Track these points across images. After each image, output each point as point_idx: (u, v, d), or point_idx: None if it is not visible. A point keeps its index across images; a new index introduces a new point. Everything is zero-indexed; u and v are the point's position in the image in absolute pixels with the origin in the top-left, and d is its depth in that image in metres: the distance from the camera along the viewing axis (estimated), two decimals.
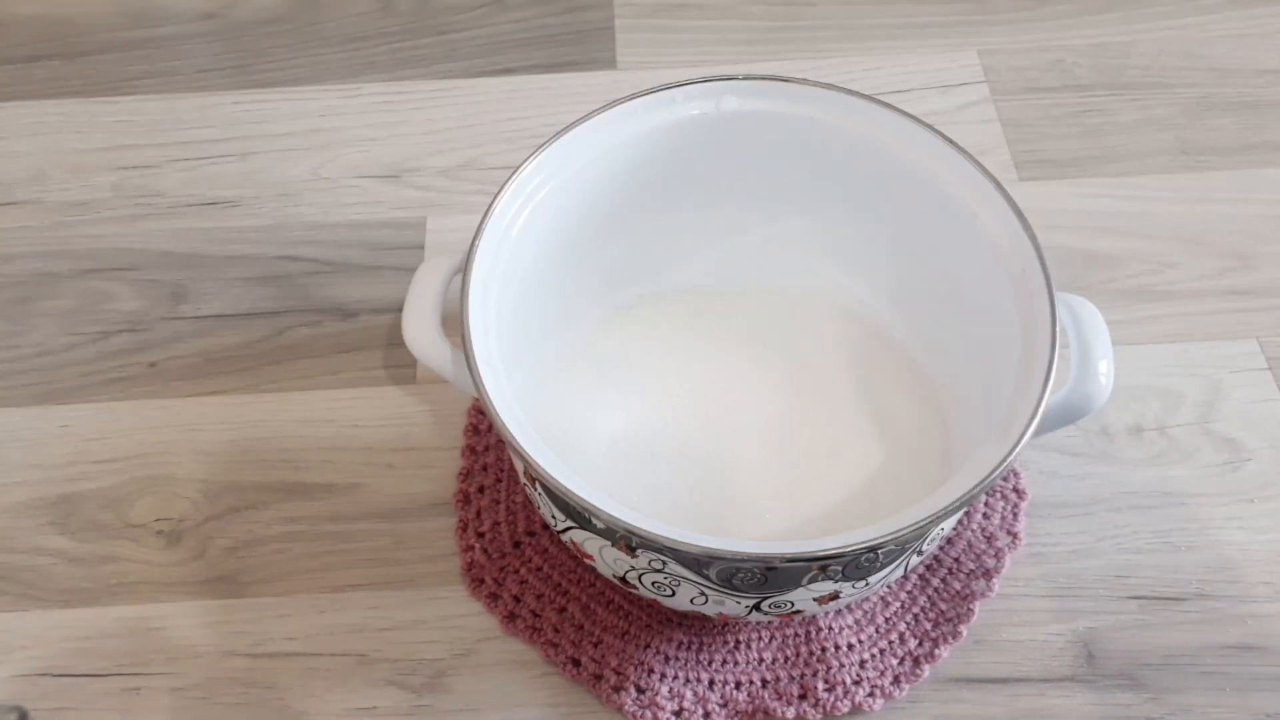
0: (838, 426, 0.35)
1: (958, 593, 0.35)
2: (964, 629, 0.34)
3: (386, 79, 0.48)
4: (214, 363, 0.40)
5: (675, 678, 0.34)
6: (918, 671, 0.34)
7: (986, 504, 0.37)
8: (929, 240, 0.36)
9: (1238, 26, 0.50)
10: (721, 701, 0.33)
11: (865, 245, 0.38)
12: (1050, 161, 0.46)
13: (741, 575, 0.29)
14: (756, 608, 0.30)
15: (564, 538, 0.32)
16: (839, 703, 0.33)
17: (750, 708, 0.33)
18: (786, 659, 0.34)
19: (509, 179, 0.34)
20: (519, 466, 0.32)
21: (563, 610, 0.35)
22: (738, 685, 0.34)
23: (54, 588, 0.36)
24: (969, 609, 0.35)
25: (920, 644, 0.34)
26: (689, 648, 0.34)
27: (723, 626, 0.34)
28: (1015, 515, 0.37)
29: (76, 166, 0.46)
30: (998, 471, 0.28)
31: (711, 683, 0.34)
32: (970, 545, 0.36)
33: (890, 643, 0.34)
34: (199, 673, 0.34)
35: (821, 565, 0.28)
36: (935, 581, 0.35)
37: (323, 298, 0.42)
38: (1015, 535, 0.36)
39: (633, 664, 0.33)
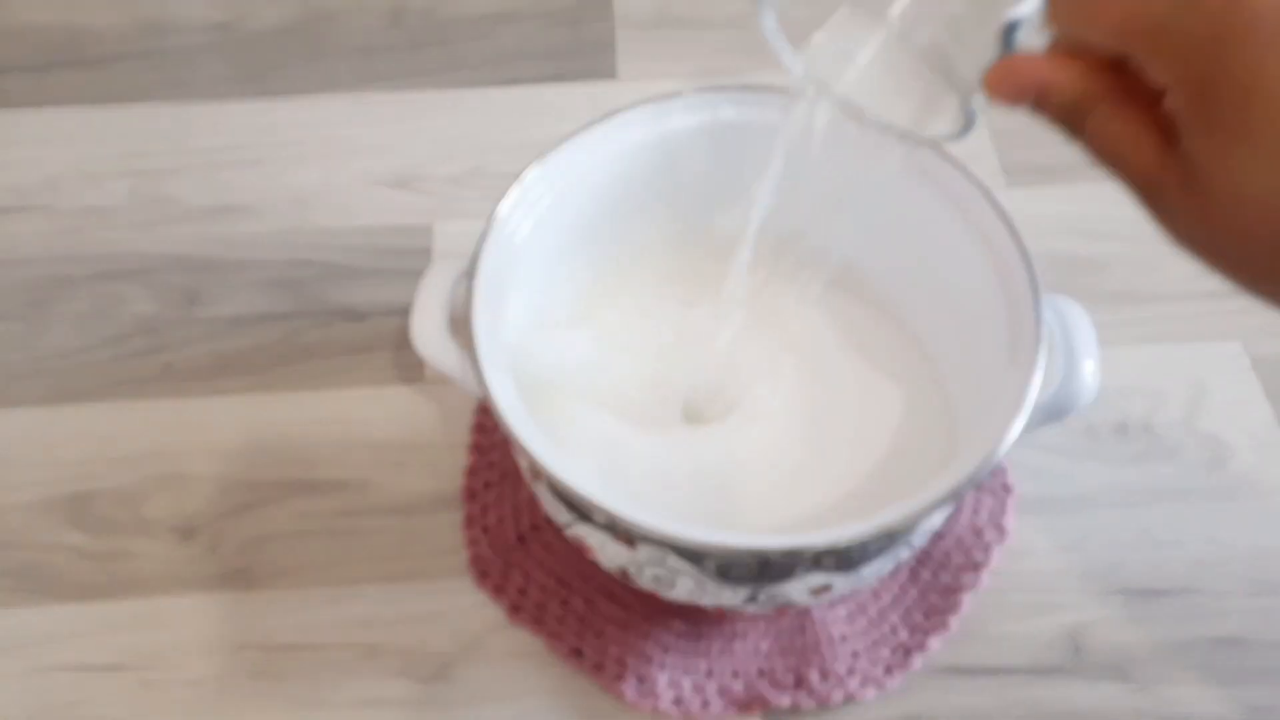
0: (845, 418, 0.36)
1: (947, 586, 0.36)
2: (953, 621, 0.35)
3: (395, 89, 0.49)
4: (227, 364, 0.41)
5: (674, 667, 0.34)
6: (908, 662, 0.34)
7: (975, 500, 0.37)
8: (918, 246, 0.37)
9: None
10: (719, 690, 0.34)
11: (859, 251, 0.38)
12: (1038, 168, 0.46)
13: (737, 568, 0.30)
14: (752, 599, 0.31)
15: (567, 532, 0.32)
16: (832, 692, 0.34)
17: (746, 696, 0.34)
18: (782, 649, 0.35)
19: (513, 186, 0.34)
20: (523, 464, 0.32)
21: (565, 602, 0.35)
22: (735, 674, 0.34)
23: (69, 583, 0.36)
24: (958, 601, 0.35)
25: (911, 635, 0.35)
26: (688, 638, 0.35)
27: (720, 618, 0.35)
28: (1003, 511, 0.37)
29: (91, 173, 0.46)
30: (985, 468, 0.29)
31: (709, 672, 0.34)
32: (960, 540, 0.37)
33: (882, 634, 0.35)
34: (212, 666, 0.34)
35: (814, 558, 0.29)
36: (926, 575, 0.36)
37: (333, 301, 0.42)
38: (1003, 530, 0.37)
39: (633, 654, 0.34)
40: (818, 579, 0.30)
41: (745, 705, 0.34)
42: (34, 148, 0.47)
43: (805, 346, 0.38)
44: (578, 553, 0.36)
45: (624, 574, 0.32)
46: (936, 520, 0.32)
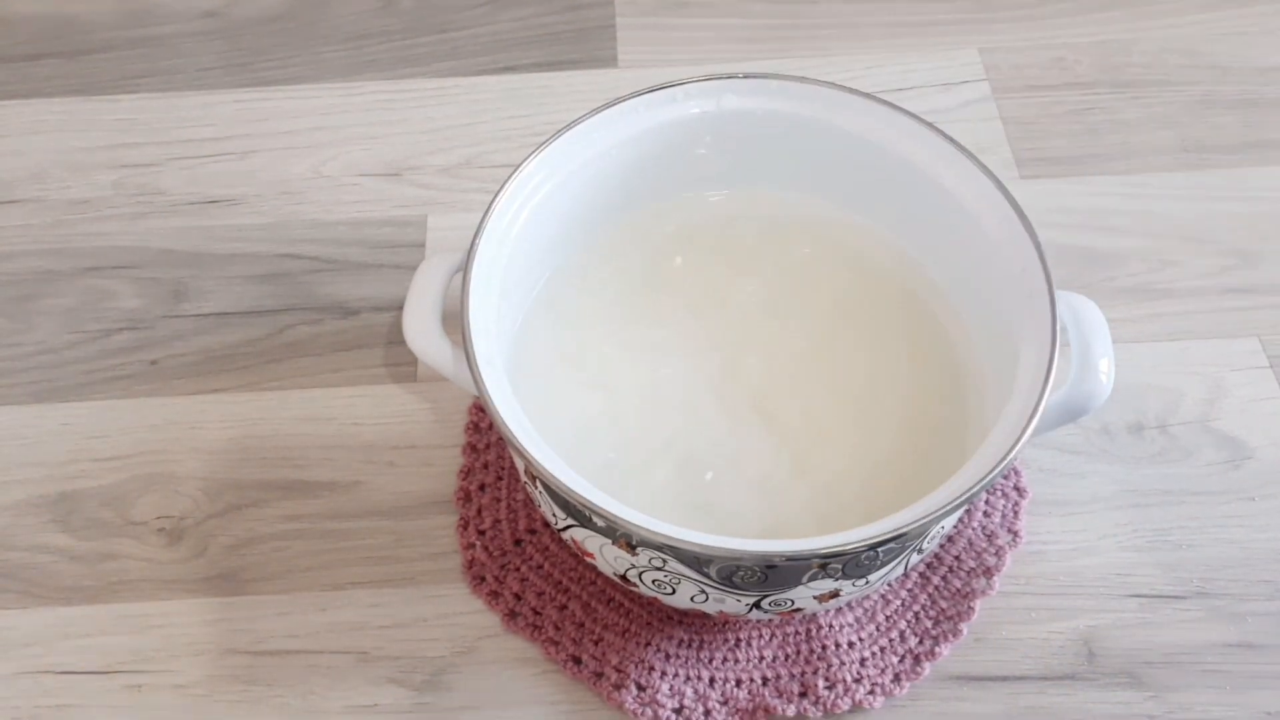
0: (856, 418, 0.35)
1: (958, 591, 0.35)
2: (964, 627, 0.34)
3: (387, 77, 0.48)
4: (215, 361, 0.40)
5: (676, 675, 0.34)
6: (918, 669, 0.34)
7: (987, 502, 0.37)
8: (929, 238, 0.36)
9: (1239, 24, 0.50)
10: (722, 699, 0.33)
11: (865, 243, 0.38)
12: (1051, 159, 0.46)
13: (741, 573, 0.29)
14: (757, 605, 0.31)
15: (564, 536, 0.32)
16: (839, 700, 0.33)
17: (751, 705, 0.33)
18: (787, 657, 0.34)
19: (510, 177, 0.34)
20: (519, 464, 0.32)
21: (563, 608, 0.35)
22: (738, 683, 0.34)
23: (55, 586, 0.36)
24: (969, 607, 0.35)
25: (920, 642, 0.34)
26: (690, 645, 0.34)
27: (723, 624, 0.35)
28: (1016, 513, 0.37)
29: (78, 165, 0.46)
30: (998, 469, 0.28)
31: (712, 680, 0.34)
32: (971, 543, 0.36)
33: (891, 640, 0.34)
34: (200, 670, 0.34)
35: (821, 563, 0.28)
36: (936, 579, 0.35)
37: (323, 296, 0.42)
38: (1016, 533, 0.36)
39: (633, 662, 0.34)
40: (825, 585, 0.30)
41: (749, 714, 0.33)
42: (20, 139, 0.47)
43: (816, 344, 0.37)
44: (576, 557, 0.35)
45: (624, 579, 0.31)
46: (948, 524, 0.32)
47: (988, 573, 0.35)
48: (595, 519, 0.29)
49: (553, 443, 0.30)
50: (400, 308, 0.39)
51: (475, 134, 0.46)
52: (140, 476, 0.38)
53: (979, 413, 0.34)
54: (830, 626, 0.34)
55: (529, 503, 0.37)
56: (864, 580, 0.30)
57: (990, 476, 0.28)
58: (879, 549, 0.28)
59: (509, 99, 0.47)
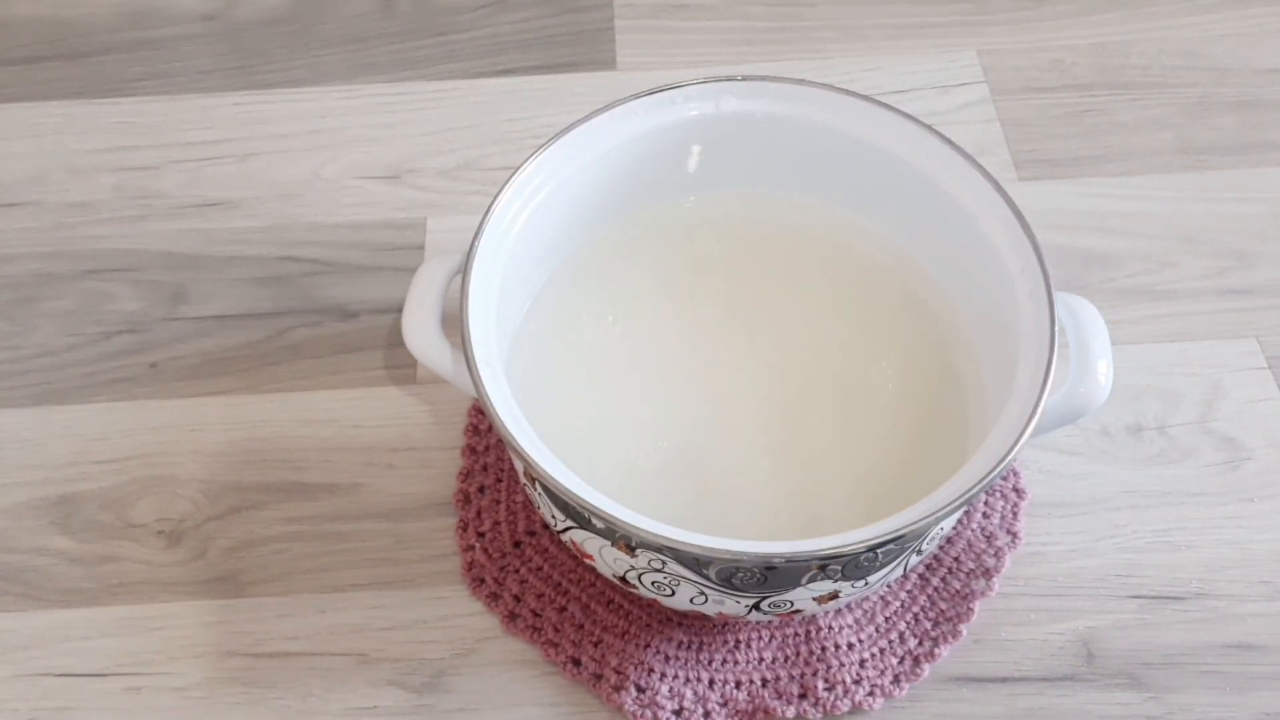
0: (854, 421, 0.35)
1: (957, 592, 0.35)
2: (964, 628, 0.34)
3: (387, 80, 0.48)
4: (214, 363, 0.40)
5: (675, 677, 0.34)
6: (917, 671, 0.34)
7: (986, 503, 0.37)
8: (928, 240, 0.36)
9: (1237, 26, 0.50)
10: (721, 701, 0.33)
11: (864, 244, 0.38)
12: (1049, 161, 0.46)
13: (741, 575, 0.29)
14: (756, 607, 0.31)
15: (564, 537, 0.32)
16: (839, 702, 0.33)
17: (750, 707, 0.33)
18: (786, 658, 0.34)
19: (509, 180, 0.34)
20: (519, 466, 0.32)
21: (563, 610, 0.35)
22: (738, 684, 0.34)
23: (55, 588, 0.36)
24: (969, 608, 0.35)
25: (920, 643, 0.34)
26: (689, 647, 0.34)
27: (723, 626, 0.35)
28: (1015, 515, 0.37)
29: (77, 168, 0.46)
30: (996, 471, 0.28)
31: (711, 682, 0.34)
32: (970, 544, 0.36)
33: (890, 642, 0.34)
34: (200, 672, 0.34)
35: (821, 565, 0.28)
36: (935, 581, 0.35)
37: (323, 298, 0.42)
38: (1015, 534, 0.36)
39: (633, 663, 0.34)
40: (824, 586, 0.30)
41: (749, 716, 0.33)
42: (20, 142, 0.47)
43: (815, 345, 0.37)
44: (575, 559, 0.35)
45: (623, 581, 0.31)
46: (947, 525, 0.32)
47: (987, 574, 0.35)
48: (594, 520, 0.29)
49: (551, 444, 0.30)
50: (400, 310, 0.39)
51: (474, 136, 0.46)
52: (140, 479, 0.38)
53: (978, 414, 0.34)
54: (830, 628, 0.34)
55: (528, 505, 0.37)
56: (863, 582, 0.30)
57: (989, 478, 0.28)
58: (878, 550, 0.28)
59: (508, 101, 0.48)
